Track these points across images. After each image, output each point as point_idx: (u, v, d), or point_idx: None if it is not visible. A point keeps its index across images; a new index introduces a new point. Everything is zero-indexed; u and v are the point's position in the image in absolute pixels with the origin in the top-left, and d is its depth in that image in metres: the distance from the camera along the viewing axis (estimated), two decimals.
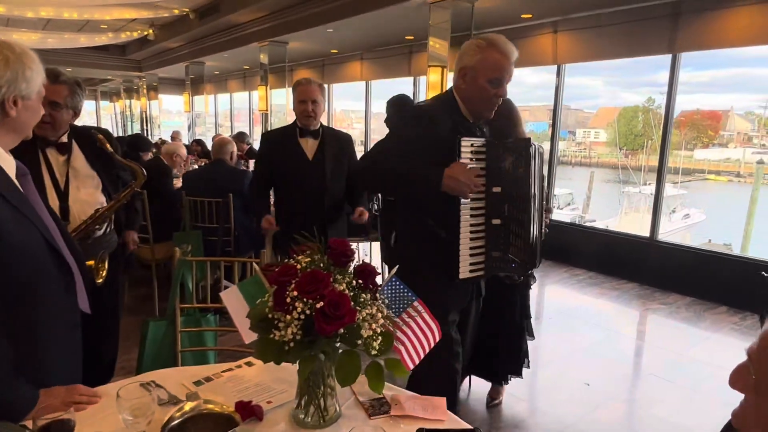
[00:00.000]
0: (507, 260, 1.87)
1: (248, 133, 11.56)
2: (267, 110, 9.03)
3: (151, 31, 11.03)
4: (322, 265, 1.10)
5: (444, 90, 3.00)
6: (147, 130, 16.00)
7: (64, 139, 2.06)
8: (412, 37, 7.47)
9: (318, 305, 0.99)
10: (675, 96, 5.09)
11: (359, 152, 2.97)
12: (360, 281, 1.09)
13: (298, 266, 1.08)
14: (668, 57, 5.01)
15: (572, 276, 5.38)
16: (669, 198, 9.89)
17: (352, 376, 1.08)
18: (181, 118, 15.08)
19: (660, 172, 5.26)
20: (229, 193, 3.77)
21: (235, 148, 4.17)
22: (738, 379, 0.73)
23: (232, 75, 13.63)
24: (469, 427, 1.13)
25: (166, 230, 3.83)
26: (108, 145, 2.09)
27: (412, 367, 1.19)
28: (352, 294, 1.06)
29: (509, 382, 2.82)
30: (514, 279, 2.06)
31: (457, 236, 1.80)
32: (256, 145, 9.91)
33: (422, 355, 1.18)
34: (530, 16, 5.80)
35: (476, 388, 2.94)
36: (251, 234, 3.92)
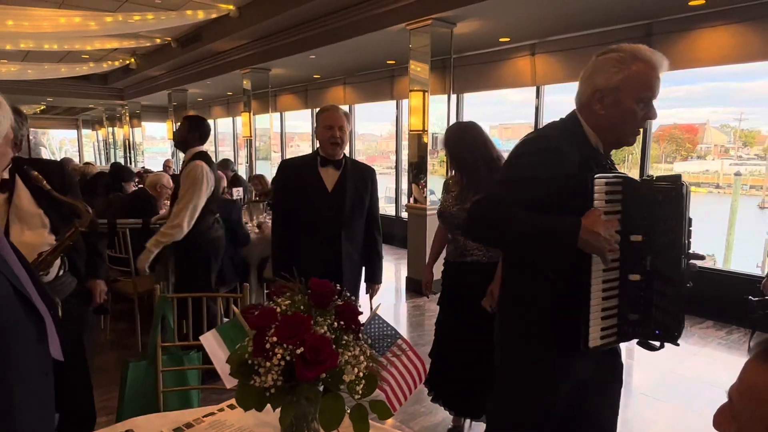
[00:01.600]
0: (648, 325, 1.51)
1: (232, 158, 11.54)
2: (251, 136, 9.03)
3: (133, 60, 11.03)
4: (302, 307, 1.08)
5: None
6: (130, 158, 15.88)
7: (5, 174, 1.74)
8: (393, 62, 7.57)
9: (298, 351, 0.96)
10: None
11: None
12: (342, 322, 1.07)
13: (278, 309, 1.06)
14: None
15: None
16: None
17: (336, 420, 1.06)
18: (165, 144, 15.02)
19: None
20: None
21: (225, 182, 4.17)
22: (722, 421, 0.72)
23: (216, 101, 13.65)
24: None
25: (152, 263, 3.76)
26: (44, 182, 1.84)
27: (398, 407, 1.17)
28: (333, 336, 1.04)
29: None
30: (654, 347, 1.66)
31: (587, 294, 1.41)
32: (241, 171, 9.91)
33: (408, 395, 1.16)
34: (508, 39, 5.92)
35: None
36: (236, 264, 3.87)
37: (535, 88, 6.18)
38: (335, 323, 1.06)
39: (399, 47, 5.96)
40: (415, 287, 5.57)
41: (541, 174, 1.42)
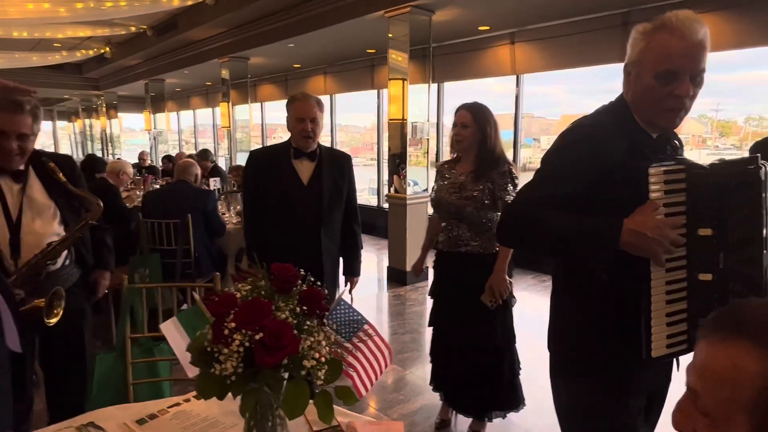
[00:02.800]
0: None
1: (212, 149, 11.39)
2: (230, 126, 8.90)
3: (107, 48, 10.77)
4: (264, 292, 1.05)
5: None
6: (107, 150, 15.57)
7: (21, 166, 1.89)
8: (373, 51, 7.51)
9: (257, 336, 0.94)
10: None
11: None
12: (305, 308, 1.04)
13: (238, 295, 1.03)
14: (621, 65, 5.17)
15: (539, 282, 5.43)
16: None
17: (300, 407, 1.03)
18: (145, 136, 14.76)
19: None
20: (191, 211, 3.67)
21: (199, 171, 4.09)
22: (684, 420, 0.66)
23: (194, 91, 13.42)
24: None
25: (121, 255, 3.69)
26: (60, 174, 1.93)
27: (364, 393, 1.15)
28: (296, 322, 1.02)
29: (492, 420, 2.57)
30: None
31: (647, 298, 1.23)
32: (222, 163, 9.78)
33: (374, 380, 1.14)
34: (487, 27, 5.90)
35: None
36: (212, 255, 3.82)
37: (514, 77, 6.19)
38: (298, 308, 1.03)
39: (378, 36, 5.90)
40: (397, 277, 5.57)
41: (581, 168, 1.27)
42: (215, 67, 8.79)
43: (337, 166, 2.49)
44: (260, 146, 10.42)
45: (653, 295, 1.23)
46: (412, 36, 5.23)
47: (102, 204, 2.03)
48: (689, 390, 0.64)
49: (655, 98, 1.27)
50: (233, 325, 0.96)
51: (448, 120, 8.36)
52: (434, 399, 2.84)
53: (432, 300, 2.64)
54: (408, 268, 5.26)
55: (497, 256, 2.37)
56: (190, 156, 7.61)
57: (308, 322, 1.04)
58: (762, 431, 0.58)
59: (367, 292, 5.28)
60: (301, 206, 2.38)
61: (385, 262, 5.92)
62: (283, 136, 12.94)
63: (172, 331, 1.15)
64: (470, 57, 6.53)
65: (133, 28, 8.84)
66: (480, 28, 5.91)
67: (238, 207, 4.57)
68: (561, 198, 1.26)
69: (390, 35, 5.40)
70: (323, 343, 1.00)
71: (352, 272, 2.64)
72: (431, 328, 2.67)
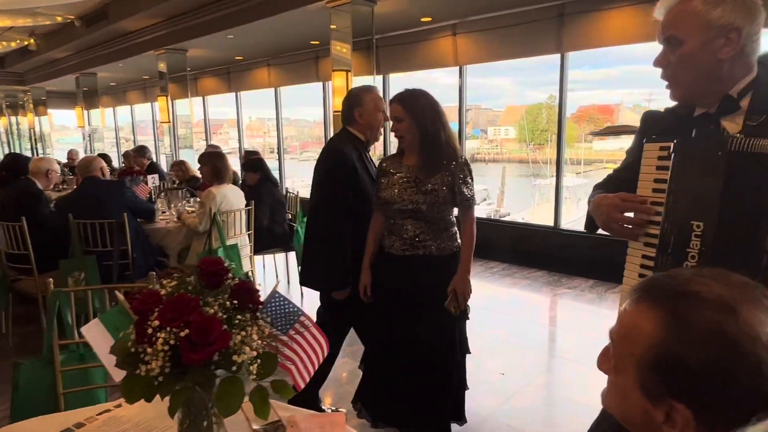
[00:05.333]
0: None
1: (153, 146, 10.91)
2: (169, 122, 8.55)
3: (32, 40, 10.08)
4: (191, 288, 1.01)
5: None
6: (37, 150, 14.62)
7: None
8: (317, 42, 7.40)
9: (182, 333, 0.90)
10: (566, 93, 5.43)
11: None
12: (235, 302, 1.01)
13: (163, 291, 0.98)
14: (559, 56, 5.35)
15: (487, 269, 5.56)
16: (575, 187, 10.58)
17: (235, 405, 1.00)
18: (78, 133, 13.94)
19: (558, 164, 5.59)
20: (108, 206, 3.50)
21: (104, 164, 3.87)
22: (603, 361, 0.76)
23: (131, 86, 12.80)
24: None
25: (50, 258, 3.47)
26: None
27: (302, 385, 1.13)
28: (226, 317, 0.98)
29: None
30: None
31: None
32: (163, 160, 9.38)
33: (312, 372, 1.12)
34: (429, 19, 5.94)
35: None
36: (147, 254, 3.66)
37: (458, 68, 6.27)
38: (227, 303, 1.00)
39: (321, 27, 5.82)
40: None
41: (633, 144, 1.34)
42: (152, 60, 8.41)
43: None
44: (204, 142, 10.08)
45: (626, 269, 1.25)
46: (354, 27, 5.20)
47: None
48: (610, 337, 0.74)
49: None
50: (157, 323, 0.91)
51: None
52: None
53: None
54: None
55: (456, 257, 2.20)
56: (126, 152, 7.28)
57: (239, 317, 1.01)
58: (644, 383, 0.66)
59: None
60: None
61: None
62: (229, 131, 12.57)
63: (95, 334, 1.08)
64: (414, 48, 6.56)
65: (59, 18, 8.30)
66: (422, 19, 5.94)
67: (179, 205, 4.40)
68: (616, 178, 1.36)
69: (333, 26, 5.34)
70: (255, 336, 0.97)
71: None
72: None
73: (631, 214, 1.21)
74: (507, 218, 8.64)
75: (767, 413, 0.59)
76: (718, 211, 1.07)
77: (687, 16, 1.13)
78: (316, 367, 1.13)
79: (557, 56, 5.36)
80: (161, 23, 7.38)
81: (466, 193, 2.17)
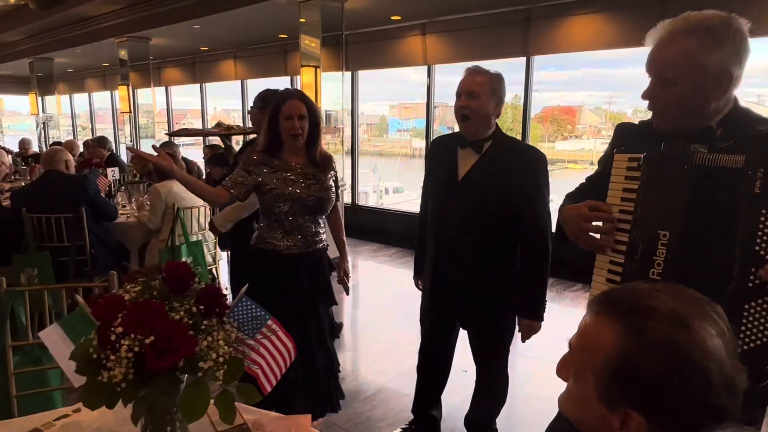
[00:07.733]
0: None
1: (113, 136, 10.54)
2: (130, 112, 8.28)
3: None
4: (156, 293, 0.99)
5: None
6: None
7: None
8: (285, 36, 7.31)
9: (147, 340, 0.89)
10: (531, 94, 5.55)
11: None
12: (201, 307, 1.00)
13: (127, 297, 0.97)
14: (524, 60, 5.46)
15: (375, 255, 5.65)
16: None
17: (200, 410, 0.99)
18: (31, 120, 13.30)
19: None
20: (70, 202, 3.38)
21: (69, 156, 3.73)
22: (562, 369, 0.79)
23: (90, 73, 12.31)
24: None
25: (2, 253, 3.33)
26: None
27: (269, 389, 1.13)
28: (191, 322, 0.97)
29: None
30: None
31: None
32: (123, 151, 9.07)
33: (279, 375, 1.13)
34: (399, 17, 5.96)
35: None
36: (110, 250, 3.56)
37: (426, 67, 6.31)
38: (194, 308, 0.99)
39: (290, 20, 5.75)
40: None
41: (605, 154, 1.38)
42: (112, 47, 8.11)
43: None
44: (167, 132, 9.81)
45: (594, 274, 1.28)
46: (324, 22, 5.16)
47: None
48: (569, 346, 0.76)
49: None
50: (121, 330, 0.90)
51: (364, 108, 8.36)
52: (356, 387, 2.87)
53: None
54: None
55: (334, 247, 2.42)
56: (85, 142, 7.00)
57: (206, 322, 1.00)
58: (603, 391, 0.69)
59: None
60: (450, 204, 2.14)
61: None
62: (193, 121, 12.25)
63: (54, 339, 1.05)
64: (383, 46, 6.56)
65: (12, 0, 7.90)
66: (392, 17, 5.95)
67: (140, 198, 4.29)
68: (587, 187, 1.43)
69: (302, 20, 5.28)
70: (221, 342, 0.97)
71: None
72: None
73: (600, 223, 1.26)
74: None
75: (716, 424, 0.64)
76: (683, 221, 1.12)
77: (682, 59, 1.13)
78: (284, 371, 1.14)
79: (518, 58, 5.48)
80: (122, 10, 7.12)
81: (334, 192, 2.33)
